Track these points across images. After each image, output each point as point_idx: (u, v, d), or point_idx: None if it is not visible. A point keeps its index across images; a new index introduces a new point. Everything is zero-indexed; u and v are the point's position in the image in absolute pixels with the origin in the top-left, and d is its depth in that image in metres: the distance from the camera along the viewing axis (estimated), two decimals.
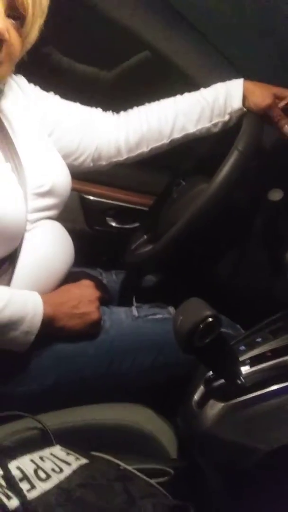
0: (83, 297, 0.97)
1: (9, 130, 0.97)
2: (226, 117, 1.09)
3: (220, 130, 1.11)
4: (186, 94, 1.14)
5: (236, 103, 1.07)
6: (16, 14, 0.87)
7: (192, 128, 1.11)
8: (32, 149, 1.00)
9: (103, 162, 1.19)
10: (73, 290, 0.98)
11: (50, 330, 0.91)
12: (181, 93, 1.16)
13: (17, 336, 0.87)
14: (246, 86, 1.08)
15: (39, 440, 0.84)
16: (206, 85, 1.15)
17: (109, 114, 1.19)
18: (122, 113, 1.18)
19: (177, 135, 1.12)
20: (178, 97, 1.14)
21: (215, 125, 1.11)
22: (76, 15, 1.47)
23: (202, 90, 1.12)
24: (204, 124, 1.10)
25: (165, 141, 1.14)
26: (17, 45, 0.90)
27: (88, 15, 1.39)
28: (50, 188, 0.98)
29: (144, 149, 1.16)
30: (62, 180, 1.03)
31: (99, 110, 1.18)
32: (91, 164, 1.19)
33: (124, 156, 1.18)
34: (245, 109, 1.08)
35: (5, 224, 0.87)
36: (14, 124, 0.99)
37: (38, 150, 1.02)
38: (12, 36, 0.88)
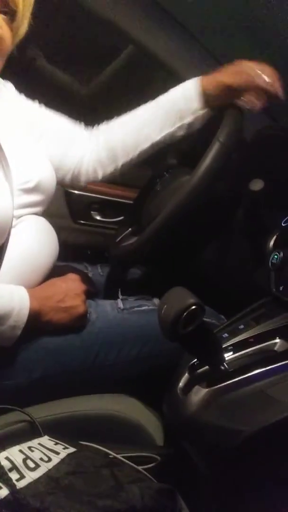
0: (69, 290, 0.98)
1: None
2: (189, 119, 1.08)
3: (187, 131, 1.10)
4: (146, 105, 1.12)
5: (194, 104, 1.06)
6: (6, 9, 0.89)
7: (156, 136, 1.10)
8: (17, 146, 1.00)
9: (82, 180, 1.19)
10: (59, 284, 0.99)
11: (37, 324, 0.92)
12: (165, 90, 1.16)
13: (4, 331, 0.87)
14: (203, 83, 1.05)
15: (28, 432, 0.85)
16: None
17: (87, 131, 1.18)
18: (90, 131, 1.18)
19: (144, 146, 1.11)
20: (138, 109, 1.13)
21: (180, 128, 1.09)
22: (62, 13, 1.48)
23: (161, 97, 1.10)
24: (168, 129, 1.09)
25: (133, 154, 1.12)
26: (8, 39, 0.91)
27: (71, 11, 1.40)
28: (36, 184, 0.99)
29: (117, 166, 1.15)
30: (47, 176, 1.04)
31: (81, 126, 1.19)
32: (70, 181, 1.19)
33: (100, 176, 1.18)
34: (205, 109, 1.06)
35: None
36: None
37: (23, 147, 1.03)
38: (5, 31, 0.90)
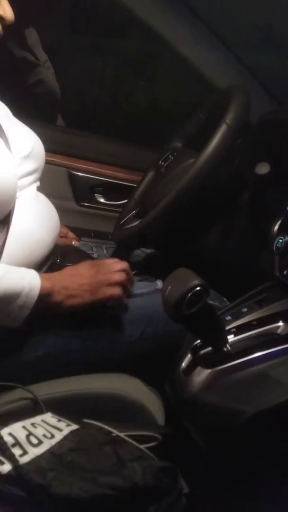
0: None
1: None
2: None
3: None
4: None
5: None
6: None
7: None
8: (5, 116, 1.04)
9: None
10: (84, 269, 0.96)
11: (47, 305, 0.90)
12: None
13: (12, 310, 0.86)
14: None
15: (30, 410, 0.86)
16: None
17: None
18: None
19: None
20: None
21: None
22: None
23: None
24: None
25: None
26: None
27: None
28: (30, 150, 1.02)
29: None
30: (37, 141, 1.07)
31: None
32: None
33: None
34: None
35: (3, 187, 0.88)
36: None
37: (11, 119, 1.07)
38: None
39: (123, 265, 0.98)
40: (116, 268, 0.96)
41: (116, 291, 0.94)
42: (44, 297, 0.88)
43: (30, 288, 0.87)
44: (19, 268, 0.91)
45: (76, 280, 0.93)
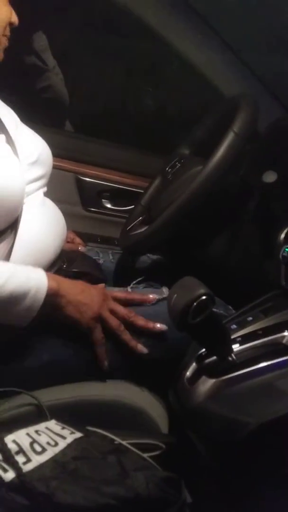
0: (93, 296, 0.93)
1: None
2: None
3: None
4: None
5: None
6: None
7: None
8: (13, 122, 1.04)
9: None
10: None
11: (55, 305, 0.89)
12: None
13: (19, 311, 0.85)
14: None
15: (34, 416, 0.86)
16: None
17: None
18: None
19: None
20: None
21: None
22: None
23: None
24: None
25: None
26: None
27: None
28: (38, 156, 1.03)
29: None
30: (45, 147, 1.08)
31: None
32: None
33: None
34: None
35: (9, 194, 0.88)
36: None
37: (19, 124, 1.07)
38: None
39: (126, 311, 0.96)
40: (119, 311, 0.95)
41: (99, 335, 0.93)
42: (49, 296, 0.87)
43: (37, 289, 0.86)
44: (26, 267, 0.89)
45: (86, 297, 0.92)
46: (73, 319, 0.91)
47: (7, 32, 0.99)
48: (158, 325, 0.96)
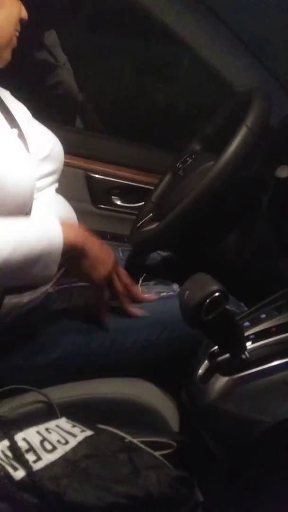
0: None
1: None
2: None
3: None
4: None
5: None
6: None
7: None
8: (25, 118, 1.04)
9: None
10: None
11: (71, 257, 0.88)
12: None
13: (37, 272, 0.85)
14: None
15: (44, 414, 0.85)
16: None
17: None
18: None
19: None
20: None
21: None
22: None
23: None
24: None
25: None
26: None
27: None
28: (49, 152, 1.02)
29: None
30: (56, 143, 1.07)
31: None
32: None
33: None
34: None
35: (19, 189, 0.88)
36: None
37: (30, 119, 1.07)
38: None
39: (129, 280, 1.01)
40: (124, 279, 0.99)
41: (106, 294, 0.96)
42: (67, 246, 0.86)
43: (50, 250, 0.84)
44: (38, 223, 0.87)
45: (103, 254, 0.94)
46: (86, 273, 0.92)
47: (18, 27, 0.98)
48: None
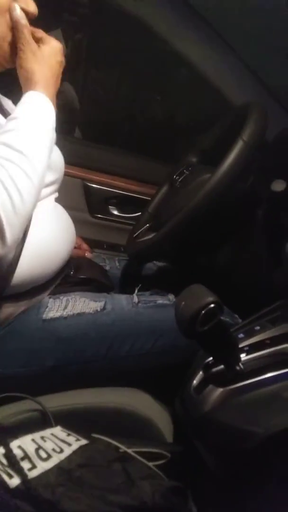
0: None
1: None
2: None
3: None
4: None
5: None
6: None
7: None
8: None
9: None
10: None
11: None
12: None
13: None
14: None
15: (39, 422, 0.85)
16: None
17: None
18: None
19: None
20: None
21: None
22: None
23: None
24: None
25: None
26: None
27: None
28: (50, 162, 1.01)
29: None
30: (58, 153, 1.08)
31: None
32: None
33: None
34: None
35: None
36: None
37: None
38: None
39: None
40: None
41: None
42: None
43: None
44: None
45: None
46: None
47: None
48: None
